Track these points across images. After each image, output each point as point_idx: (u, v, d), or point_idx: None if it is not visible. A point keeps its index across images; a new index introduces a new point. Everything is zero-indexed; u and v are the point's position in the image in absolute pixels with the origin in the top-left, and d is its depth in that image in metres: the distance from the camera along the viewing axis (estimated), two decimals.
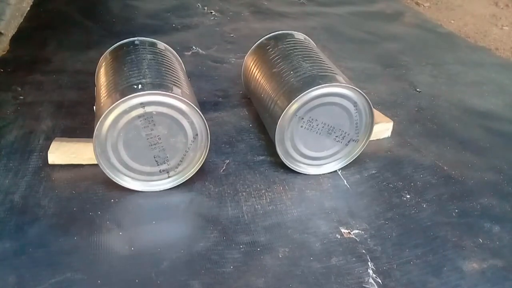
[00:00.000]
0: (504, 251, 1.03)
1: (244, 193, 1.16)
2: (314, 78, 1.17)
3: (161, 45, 1.37)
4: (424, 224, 1.09)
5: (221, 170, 1.23)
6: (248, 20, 2.35)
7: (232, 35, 2.14)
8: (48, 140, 1.26)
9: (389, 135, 1.42)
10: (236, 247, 1.00)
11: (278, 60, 1.31)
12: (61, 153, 1.19)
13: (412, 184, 1.22)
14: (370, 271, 0.96)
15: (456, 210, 1.14)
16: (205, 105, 1.49)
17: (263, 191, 1.17)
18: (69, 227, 1.03)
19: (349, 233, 1.06)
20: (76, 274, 0.92)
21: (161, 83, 1.10)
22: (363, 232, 1.06)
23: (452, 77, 1.85)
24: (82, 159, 1.20)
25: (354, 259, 0.99)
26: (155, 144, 1.09)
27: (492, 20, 2.76)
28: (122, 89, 1.08)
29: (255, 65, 1.40)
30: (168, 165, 1.13)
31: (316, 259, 0.99)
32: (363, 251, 1.01)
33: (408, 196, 1.18)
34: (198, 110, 1.08)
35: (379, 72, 1.87)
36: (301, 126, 1.17)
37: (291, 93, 1.16)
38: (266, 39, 1.45)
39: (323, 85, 1.13)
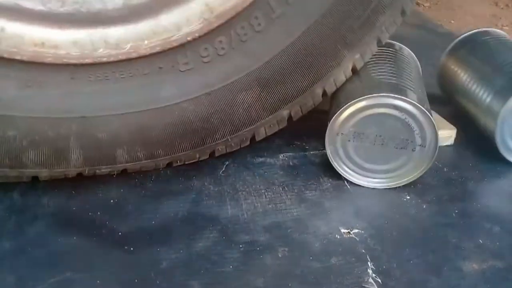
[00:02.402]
0: (504, 252, 1.03)
1: (244, 193, 1.16)
2: None
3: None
4: (424, 224, 1.09)
5: (221, 172, 1.23)
6: None
7: None
8: None
9: None
10: (236, 247, 1.00)
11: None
12: None
13: (412, 184, 1.21)
14: (370, 271, 0.96)
15: (456, 211, 1.14)
16: None
17: (262, 191, 1.17)
18: (69, 226, 1.03)
19: (348, 232, 1.06)
20: (76, 274, 0.92)
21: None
22: (363, 231, 1.06)
23: None
24: None
25: (353, 258, 0.99)
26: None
27: (492, 20, 2.76)
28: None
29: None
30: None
31: (315, 258, 0.98)
32: (363, 250, 1.01)
33: (408, 197, 1.17)
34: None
35: None
36: None
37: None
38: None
39: None
